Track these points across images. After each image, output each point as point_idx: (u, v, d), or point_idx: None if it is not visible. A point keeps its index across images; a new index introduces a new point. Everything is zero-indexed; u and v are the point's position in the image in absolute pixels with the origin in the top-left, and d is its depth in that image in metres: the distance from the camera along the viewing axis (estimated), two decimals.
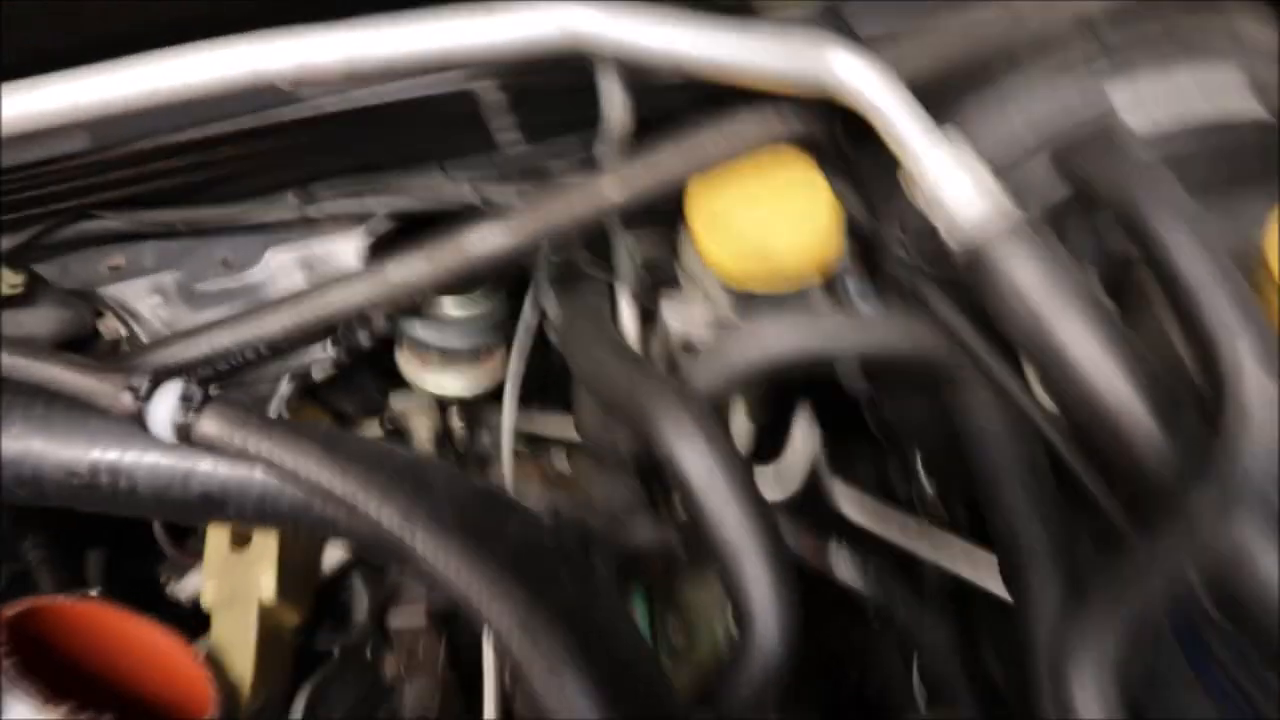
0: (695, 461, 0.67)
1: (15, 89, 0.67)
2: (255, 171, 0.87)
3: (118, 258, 0.88)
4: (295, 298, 0.79)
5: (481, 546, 0.59)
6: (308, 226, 0.85)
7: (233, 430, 0.65)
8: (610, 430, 0.86)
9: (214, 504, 0.71)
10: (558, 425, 1.16)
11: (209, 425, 0.65)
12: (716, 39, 0.67)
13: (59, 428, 0.69)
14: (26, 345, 0.69)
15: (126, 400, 0.66)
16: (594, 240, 0.92)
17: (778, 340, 0.76)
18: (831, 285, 0.79)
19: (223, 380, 0.79)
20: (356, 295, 0.77)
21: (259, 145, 0.82)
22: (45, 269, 0.89)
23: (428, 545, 0.59)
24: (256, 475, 0.70)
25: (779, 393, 0.91)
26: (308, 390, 0.91)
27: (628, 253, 0.86)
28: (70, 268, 0.88)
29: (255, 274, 0.85)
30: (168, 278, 0.86)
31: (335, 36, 0.66)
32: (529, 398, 1.14)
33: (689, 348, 0.87)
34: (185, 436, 0.66)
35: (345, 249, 0.85)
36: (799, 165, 0.76)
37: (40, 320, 0.94)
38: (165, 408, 0.65)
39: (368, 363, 0.99)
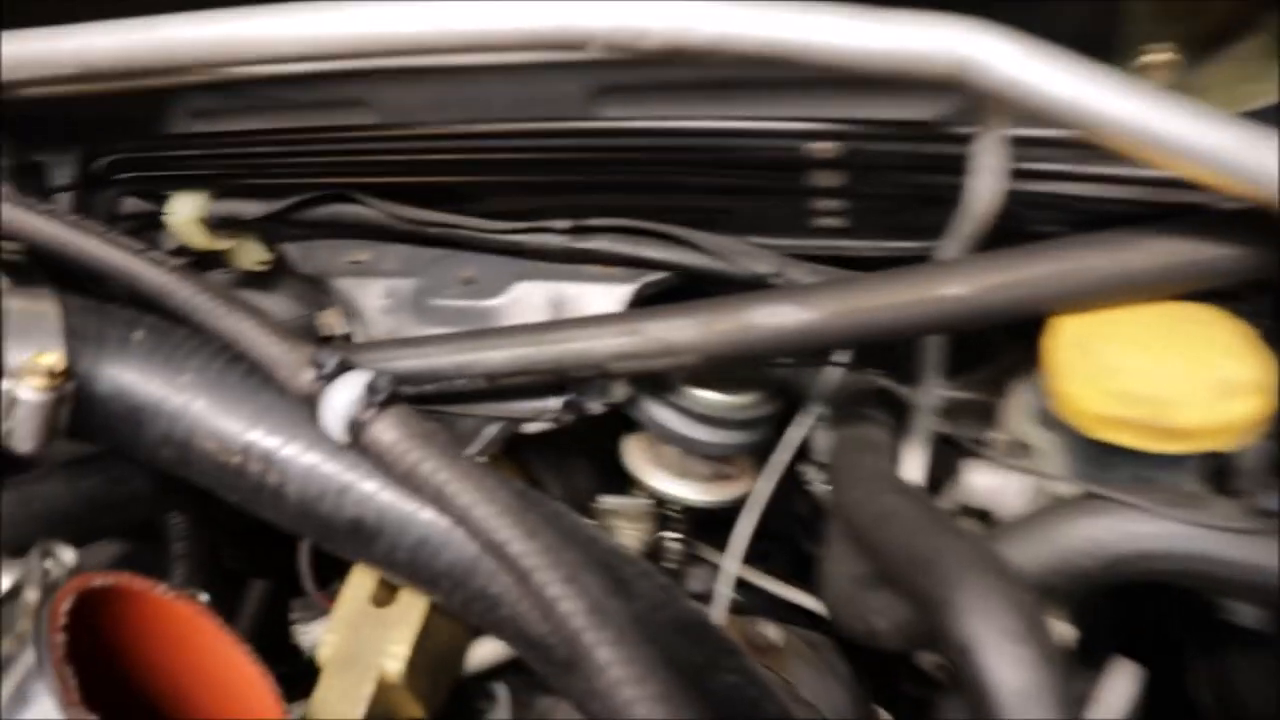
0: (1008, 666, 0.45)
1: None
2: (528, 189, 0.77)
3: (363, 253, 0.79)
4: (533, 329, 0.66)
5: (683, 685, 0.40)
6: (568, 264, 0.73)
7: (411, 442, 0.51)
8: (866, 604, 0.66)
9: (365, 534, 0.56)
10: (779, 588, 0.96)
11: (386, 429, 0.52)
12: (1175, 117, 0.49)
13: (228, 393, 0.59)
14: (224, 293, 0.59)
15: (307, 377, 0.54)
16: (892, 357, 0.74)
17: (1129, 531, 0.54)
18: (1224, 467, 0.56)
19: (426, 405, 0.66)
20: (604, 343, 0.63)
21: (541, 157, 0.72)
22: (290, 250, 0.83)
23: (616, 660, 0.41)
24: (422, 515, 0.56)
25: (1107, 601, 0.67)
26: (511, 448, 0.77)
27: (932, 374, 0.68)
28: (315, 253, 0.81)
29: (497, 300, 0.73)
30: (405, 284, 0.76)
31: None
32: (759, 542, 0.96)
33: (988, 519, 0.66)
34: (356, 437, 0.52)
35: (604, 298, 0.71)
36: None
37: (272, 304, 0.88)
38: (345, 397, 0.53)
39: (588, 442, 0.84)
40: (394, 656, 0.62)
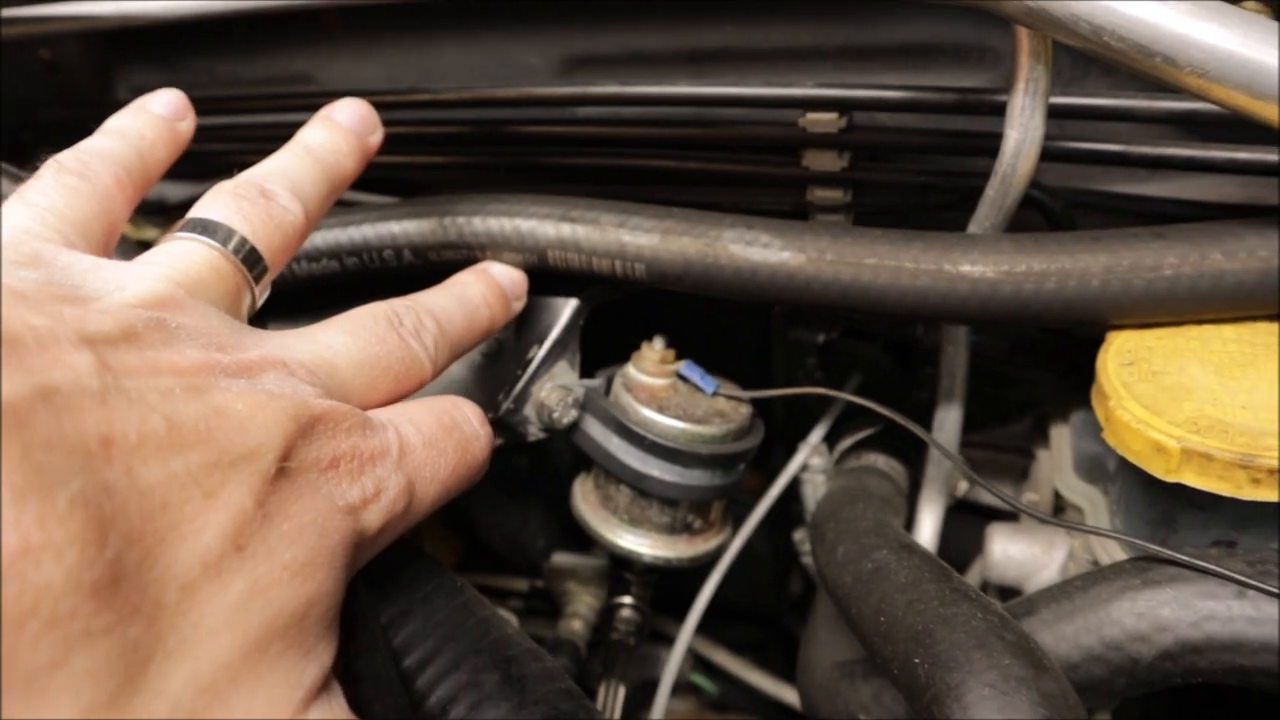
0: None
1: None
2: (487, 175, 0.66)
3: None
4: (470, 200, 0.55)
5: None
6: None
7: None
8: (850, 697, 0.51)
9: None
10: (768, 683, 0.80)
11: None
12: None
13: None
14: None
15: None
16: (905, 399, 0.61)
17: (1202, 608, 0.39)
18: None
19: None
20: (547, 224, 0.52)
21: (503, 132, 0.62)
22: None
23: None
24: None
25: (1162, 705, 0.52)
26: (452, 508, 0.64)
27: (953, 411, 0.54)
28: None
29: None
30: None
31: None
32: (739, 618, 0.81)
33: (1011, 592, 0.52)
34: None
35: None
36: None
37: None
38: None
39: (544, 496, 0.71)
40: None
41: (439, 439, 0.38)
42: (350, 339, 0.39)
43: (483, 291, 0.49)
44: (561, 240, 0.52)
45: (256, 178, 0.41)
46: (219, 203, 0.39)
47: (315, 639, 0.30)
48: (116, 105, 0.75)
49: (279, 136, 0.68)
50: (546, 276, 0.54)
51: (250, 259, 0.38)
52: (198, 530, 0.27)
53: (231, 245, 0.38)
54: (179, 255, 0.37)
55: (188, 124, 0.45)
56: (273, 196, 0.40)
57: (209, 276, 0.37)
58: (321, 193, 0.43)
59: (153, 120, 0.44)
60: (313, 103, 0.66)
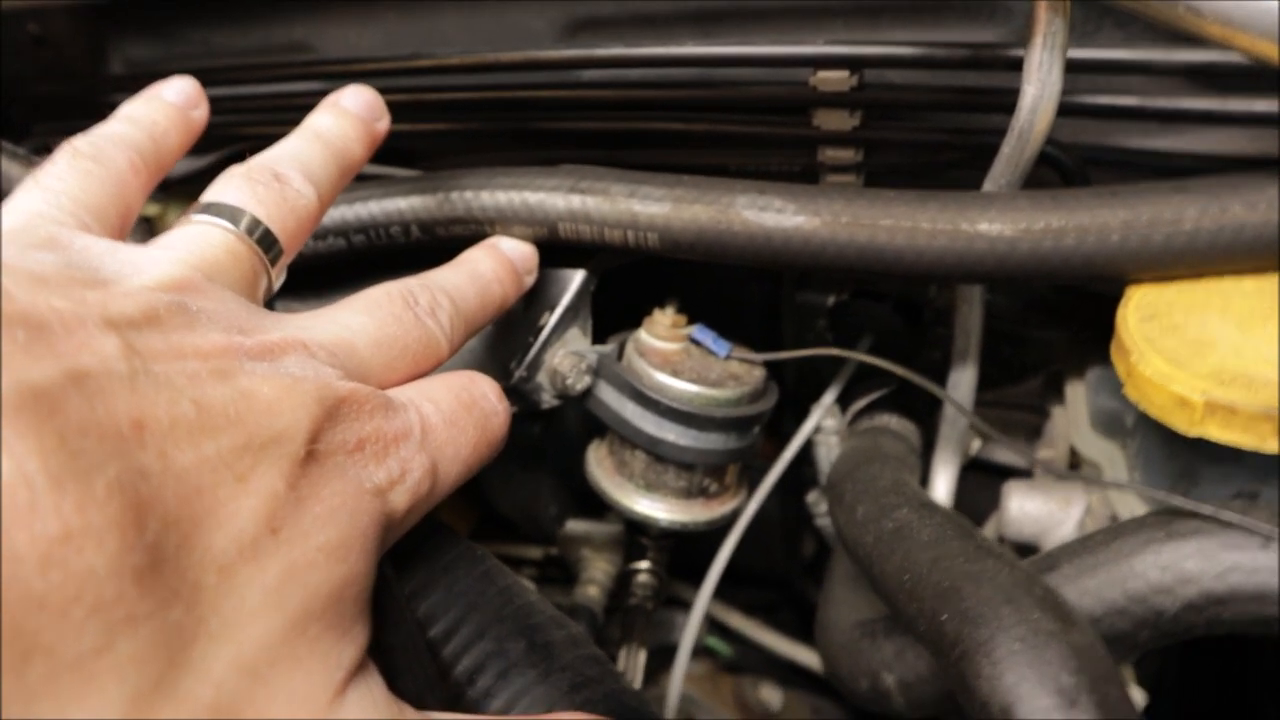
0: None
1: None
2: (489, 142, 0.65)
3: None
4: (480, 174, 0.54)
5: None
6: None
7: None
8: (872, 656, 0.51)
9: None
10: (783, 644, 0.81)
11: None
12: None
13: None
14: None
15: None
16: (918, 357, 0.61)
17: (1225, 560, 0.39)
18: None
19: None
20: (555, 196, 0.51)
21: (503, 97, 0.61)
22: None
23: None
24: None
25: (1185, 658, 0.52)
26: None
27: (968, 369, 0.54)
28: None
29: None
30: None
31: None
32: (753, 581, 0.82)
33: (1028, 549, 0.52)
34: None
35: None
36: None
37: None
38: None
39: (556, 457, 0.71)
40: None
41: (459, 417, 0.38)
42: (368, 319, 0.38)
43: (494, 267, 0.48)
44: (572, 212, 0.51)
45: (269, 161, 0.41)
46: (232, 186, 0.39)
47: (351, 620, 0.30)
48: (109, 80, 0.75)
49: (278, 107, 0.68)
50: (556, 248, 0.54)
51: (265, 242, 0.38)
52: (232, 514, 0.27)
53: (245, 227, 0.38)
54: (195, 239, 0.36)
55: (201, 112, 0.45)
56: (286, 180, 0.40)
57: (225, 260, 0.36)
58: (332, 176, 0.43)
59: (165, 107, 0.43)
60: (311, 71, 0.65)
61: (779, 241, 0.47)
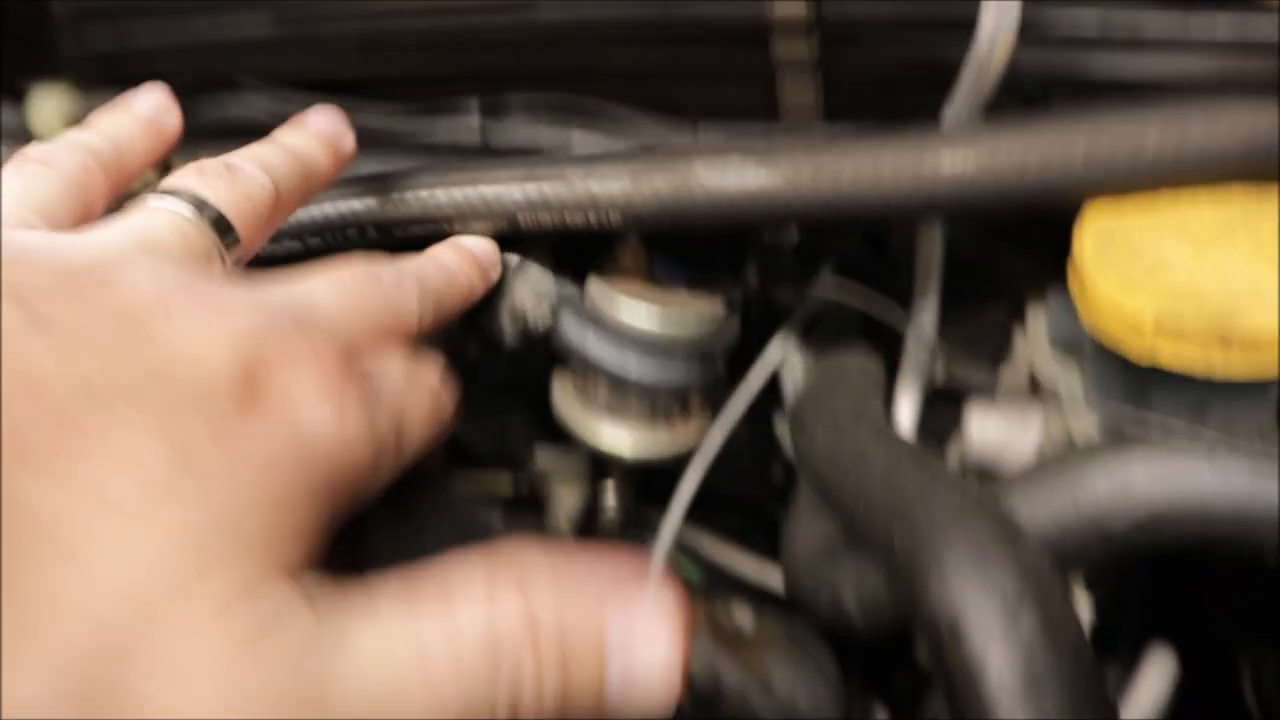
0: (1010, 649, 0.32)
1: None
2: (434, 78, 0.64)
3: None
4: (427, 171, 0.54)
5: None
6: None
7: None
8: (831, 573, 0.52)
9: None
10: (754, 567, 0.82)
11: None
12: None
13: None
14: None
15: None
16: (879, 280, 0.61)
17: (1172, 479, 0.40)
18: None
19: None
20: (511, 186, 0.51)
21: (443, 25, 0.60)
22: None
23: None
24: None
25: (1137, 577, 0.54)
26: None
27: (930, 296, 0.54)
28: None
29: None
30: None
31: None
32: (723, 507, 0.83)
33: (989, 474, 0.53)
34: None
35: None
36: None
37: None
38: None
39: (522, 392, 0.71)
40: None
41: (414, 386, 0.37)
42: (326, 284, 0.37)
43: (457, 260, 0.49)
44: (530, 201, 0.51)
45: (221, 158, 0.41)
46: (181, 175, 0.39)
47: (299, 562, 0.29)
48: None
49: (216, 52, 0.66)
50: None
51: (220, 226, 0.38)
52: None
53: (193, 207, 0.37)
54: (135, 218, 0.36)
55: (172, 118, 0.45)
56: (237, 169, 0.40)
57: (171, 239, 0.36)
58: (292, 176, 0.43)
59: (132, 115, 0.43)
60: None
61: (744, 203, 0.46)
